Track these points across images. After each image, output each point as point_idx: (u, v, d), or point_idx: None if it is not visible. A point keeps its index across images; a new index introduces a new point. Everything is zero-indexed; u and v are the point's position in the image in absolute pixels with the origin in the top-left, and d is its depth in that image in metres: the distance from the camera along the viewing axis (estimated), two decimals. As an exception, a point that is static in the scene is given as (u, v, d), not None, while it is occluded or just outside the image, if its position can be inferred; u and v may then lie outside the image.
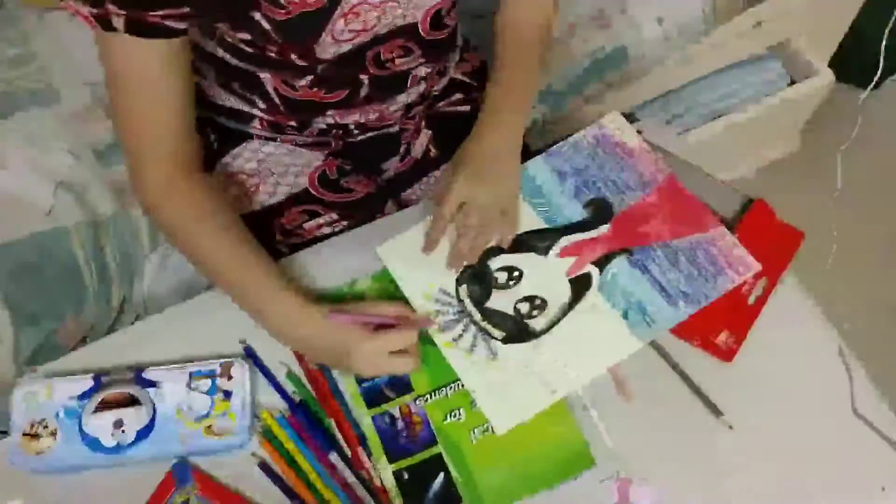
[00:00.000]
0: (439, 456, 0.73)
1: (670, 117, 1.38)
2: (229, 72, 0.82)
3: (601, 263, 0.82)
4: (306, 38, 0.74)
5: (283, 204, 0.92)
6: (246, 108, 0.89)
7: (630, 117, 1.33)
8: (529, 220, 0.84)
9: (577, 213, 0.85)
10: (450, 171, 0.82)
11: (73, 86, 1.01)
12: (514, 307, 0.80)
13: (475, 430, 0.74)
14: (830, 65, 1.43)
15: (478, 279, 0.81)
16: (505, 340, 0.78)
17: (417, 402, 0.75)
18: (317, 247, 0.85)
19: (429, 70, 0.90)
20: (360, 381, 0.76)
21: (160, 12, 0.66)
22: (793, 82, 1.41)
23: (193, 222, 0.76)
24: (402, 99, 0.91)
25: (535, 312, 0.80)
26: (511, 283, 0.81)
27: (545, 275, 0.81)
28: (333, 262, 0.83)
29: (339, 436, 0.74)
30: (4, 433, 0.96)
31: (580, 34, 1.12)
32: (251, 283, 0.75)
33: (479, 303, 0.80)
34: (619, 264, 0.81)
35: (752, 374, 0.76)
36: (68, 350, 0.88)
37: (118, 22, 0.66)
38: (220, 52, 0.79)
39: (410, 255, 0.83)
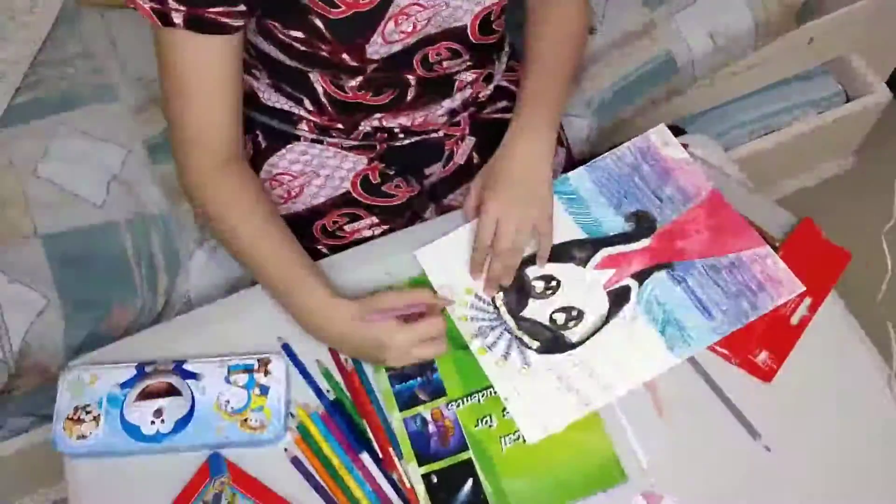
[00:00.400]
0: (469, 461, 0.73)
1: (719, 132, 1.35)
2: (280, 72, 0.84)
3: (641, 277, 0.81)
4: (358, 37, 0.75)
5: (326, 206, 0.93)
6: (294, 110, 0.90)
7: (677, 130, 1.32)
8: (569, 230, 0.84)
9: (618, 225, 0.84)
10: (478, 185, 0.83)
11: (129, 83, 1.03)
12: (550, 317, 0.80)
13: (506, 438, 0.74)
14: (888, 83, 1.40)
15: (515, 287, 0.81)
16: (540, 350, 0.78)
17: (450, 406, 0.75)
18: (355, 249, 0.86)
19: (475, 76, 0.91)
20: (393, 382, 0.77)
21: (218, 9, 0.68)
22: (848, 99, 1.38)
23: (233, 210, 0.77)
24: (448, 104, 0.92)
25: (571, 323, 0.79)
26: (548, 292, 0.81)
27: (583, 286, 0.81)
28: (372, 264, 0.84)
29: (371, 436, 0.74)
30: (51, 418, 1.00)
31: (629, 46, 1.11)
32: (286, 277, 0.76)
33: (515, 311, 0.80)
34: (658, 278, 0.80)
35: (792, 397, 0.75)
36: (113, 340, 0.91)
37: (177, 17, 0.68)
38: (274, 51, 0.80)
39: (448, 261, 0.83)
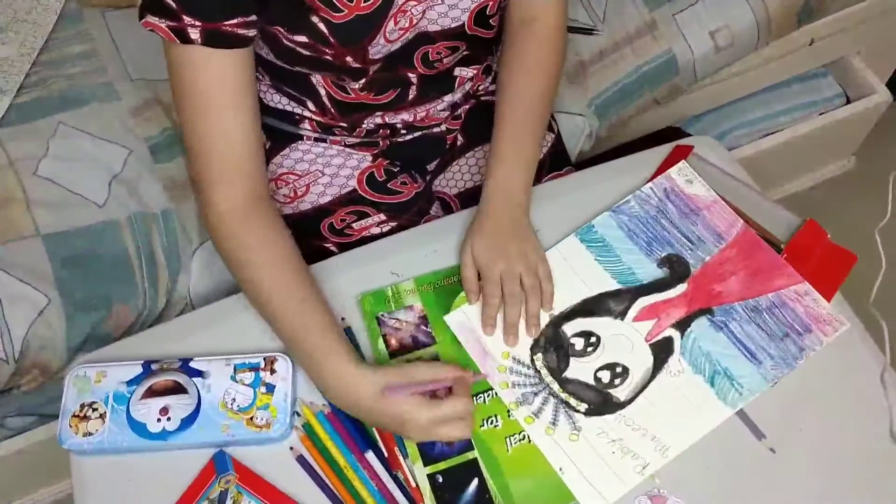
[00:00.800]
0: (474, 461, 0.72)
1: (719, 133, 1.36)
2: (283, 75, 0.84)
3: (681, 326, 0.78)
4: (361, 39, 0.75)
5: (333, 204, 0.93)
6: (297, 110, 0.90)
7: (679, 133, 1.32)
8: (602, 280, 0.81)
9: (651, 271, 0.81)
10: (470, 246, 0.80)
11: (131, 83, 1.03)
12: (595, 376, 0.76)
13: (511, 439, 0.74)
14: (889, 84, 1.40)
15: (553, 347, 0.78)
16: (588, 413, 0.74)
17: (456, 406, 0.75)
18: (362, 248, 0.86)
19: (475, 71, 0.91)
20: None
21: (234, 20, 0.68)
22: (849, 101, 1.38)
23: (259, 259, 0.74)
24: (449, 98, 0.92)
25: (616, 381, 0.76)
26: (589, 349, 0.77)
27: (624, 340, 0.78)
28: (378, 264, 0.84)
29: (376, 435, 0.74)
30: (54, 417, 1.00)
31: (630, 45, 1.11)
32: (313, 343, 0.72)
33: (558, 372, 0.76)
34: (700, 326, 0.78)
35: (797, 399, 0.75)
36: (114, 339, 0.91)
37: (195, 33, 0.68)
38: (273, 57, 0.80)
39: (478, 327, 0.79)
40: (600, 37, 1.11)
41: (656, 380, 0.75)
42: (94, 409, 0.73)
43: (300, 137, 0.94)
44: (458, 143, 0.98)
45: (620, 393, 0.75)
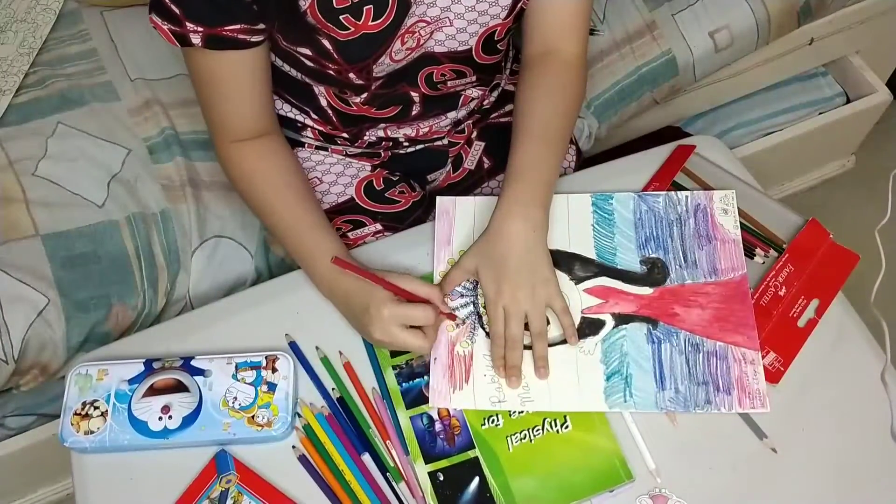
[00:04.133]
0: (476, 460, 0.72)
1: (719, 133, 1.36)
2: (286, 83, 0.84)
3: (621, 319, 0.78)
4: (366, 58, 0.75)
5: (330, 213, 0.93)
6: (299, 118, 0.90)
7: (680, 132, 1.32)
8: (585, 246, 0.82)
9: (631, 262, 0.81)
10: (472, 265, 0.78)
11: (130, 83, 1.03)
12: None
13: (512, 437, 0.74)
14: (889, 83, 1.40)
15: None
16: (489, 335, 0.77)
17: (456, 405, 0.75)
18: (359, 249, 0.86)
19: (481, 91, 0.91)
20: (400, 380, 0.76)
21: (235, 27, 0.68)
22: (849, 100, 1.38)
23: (262, 174, 0.79)
24: (453, 115, 0.92)
25: None
26: None
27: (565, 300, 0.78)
28: (375, 264, 0.83)
29: (374, 436, 0.74)
30: (54, 417, 1.00)
31: (629, 45, 1.11)
32: (306, 237, 0.78)
33: None
34: (636, 329, 0.78)
35: (798, 398, 0.75)
36: (114, 339, 0.91)
37: (196, 38, 0.68)
38: (280, 63, 0.80)
39: (459, 218, 0.84)
40: (600, 37, 1.11)
41: (565, 346, 0.77)
42: (96, 408, 0.73)
43: (301, 144, 0.94)
44: (485, 165, 0.97)
45: (527, 337, 0.76)
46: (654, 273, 0.81)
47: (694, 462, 0.72)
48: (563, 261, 0.82)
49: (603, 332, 0.78)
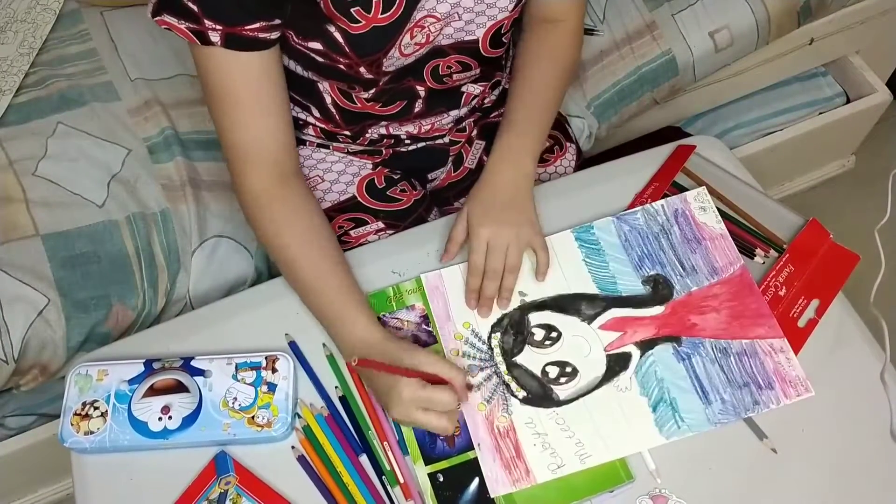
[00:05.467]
0: (475, 461, 0.72)
1: (719, 133, 1.36)
2: (290, 79, 0.84)
3: (645, 346, 0.77)
4: (376, 51, 0.75)
5: (332, 211, 0.93)
6: (301, 115, 0.90)
7: (680, 133, 1.32)
8: (583, 282, 0.80)
9: (634, 285, 0.80)
10: (465, 213, 0.82)
11: (130, 83, 1.03)
12: (543, 368, 0.76)
13: (512, 437, 0.73)
14: (889, 83, 1.40)
15: (514, 331, 0.78)
16: (524, 401, 0.75)
17: (456, 406, 0.75)
18: (363, 248, 0.86)
19: (482, 88, 0.91)
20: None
21: (255, 25, 0.68)
22: (849, 100, 1.38)
23: (287, 228, 0.76)
24: (455, 113, 0.92)
25: (562, 379, 0.75)
26: (547, 343, 0.77)
27: (583, 343, 0.77)
28: (379, 262, 0.84)
29: (373, 438, 0.74)
30: (54, 417, 0.99)
31: (629, 45, 1.11)
32: (333, 296, 0.75)
33: (509, 355, 0.77)
34: (662, 352, 0.76)
35: (798, 398, 0.74)
36: (114, 339, 0.91)
37: (215, 37, 0.67)
38: (286, 60, 0.80)
39: (450, 290, 0.81)
40: (600, 37, 1.11)
41: (601, 389, 0.75)
42: (96, 408, 0.73)
43: (303, 142, 0.94)
44: (485, 163, 0.98)
45: (562, 391, 0.75)
46: (659, 290, 0.80)
47: (694, 462, 0.72)
48: (568, 304, 0.79)
49: (633, 365, 0.76)
